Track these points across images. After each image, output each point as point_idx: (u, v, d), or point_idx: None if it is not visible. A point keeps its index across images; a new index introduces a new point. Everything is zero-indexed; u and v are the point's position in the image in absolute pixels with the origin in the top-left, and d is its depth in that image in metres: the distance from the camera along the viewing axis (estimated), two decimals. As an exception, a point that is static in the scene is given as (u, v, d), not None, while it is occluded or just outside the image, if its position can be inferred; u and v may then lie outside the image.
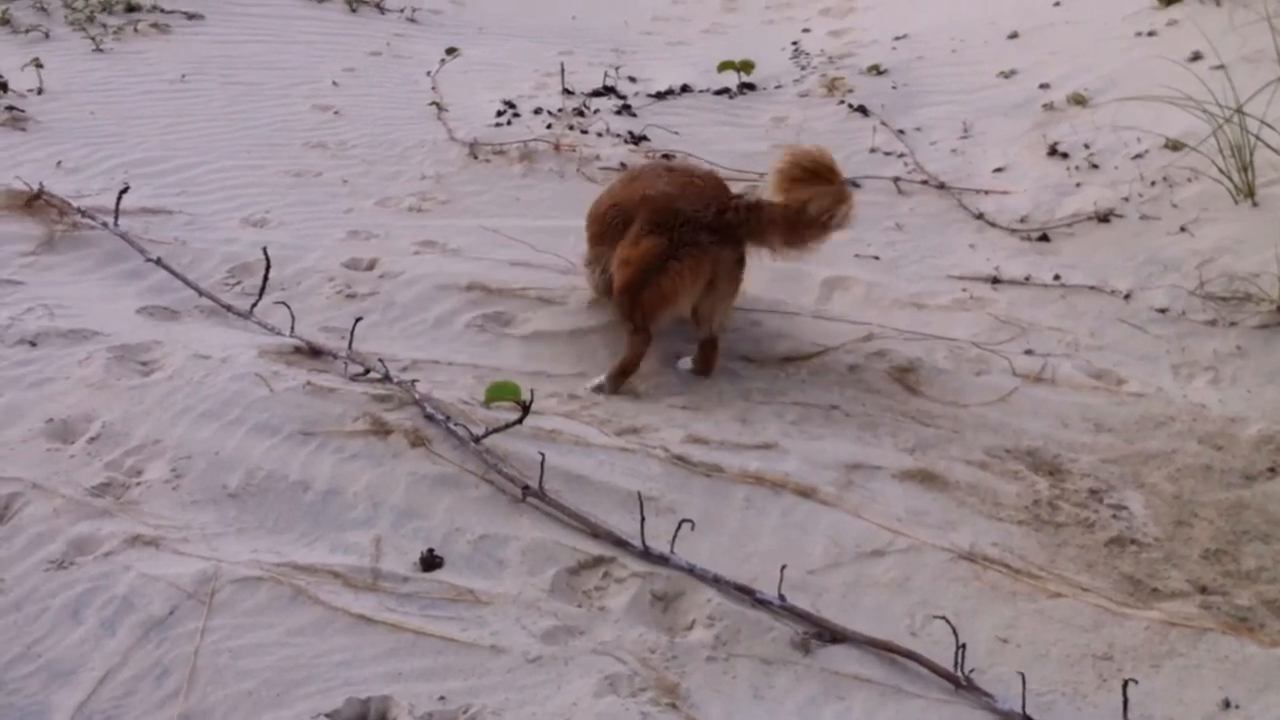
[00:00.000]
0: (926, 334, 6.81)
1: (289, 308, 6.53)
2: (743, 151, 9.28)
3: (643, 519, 4.89)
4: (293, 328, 6.40)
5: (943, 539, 5.10)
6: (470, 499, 5.17)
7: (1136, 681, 4.20)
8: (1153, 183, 8.21)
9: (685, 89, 10.46)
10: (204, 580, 4.61)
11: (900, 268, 7.72)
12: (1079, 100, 9.47)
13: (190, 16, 12.00)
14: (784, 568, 4.69)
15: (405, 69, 10.92)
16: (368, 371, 5.96)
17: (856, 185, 8.71)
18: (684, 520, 4.91)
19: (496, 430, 5.41)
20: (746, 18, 13.24)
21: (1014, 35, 10.95)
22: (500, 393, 5.47)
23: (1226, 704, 4.27)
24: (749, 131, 9.72)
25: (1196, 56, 9.36)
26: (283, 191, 8.46)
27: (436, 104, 9.91)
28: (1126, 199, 8.13)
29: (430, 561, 4.83)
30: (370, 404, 5.67)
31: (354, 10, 12.29)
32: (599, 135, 9.42)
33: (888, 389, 6.35)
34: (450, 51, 11.07)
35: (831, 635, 4.52)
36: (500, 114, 9.72)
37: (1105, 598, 4.81)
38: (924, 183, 8.76)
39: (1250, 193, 7.72)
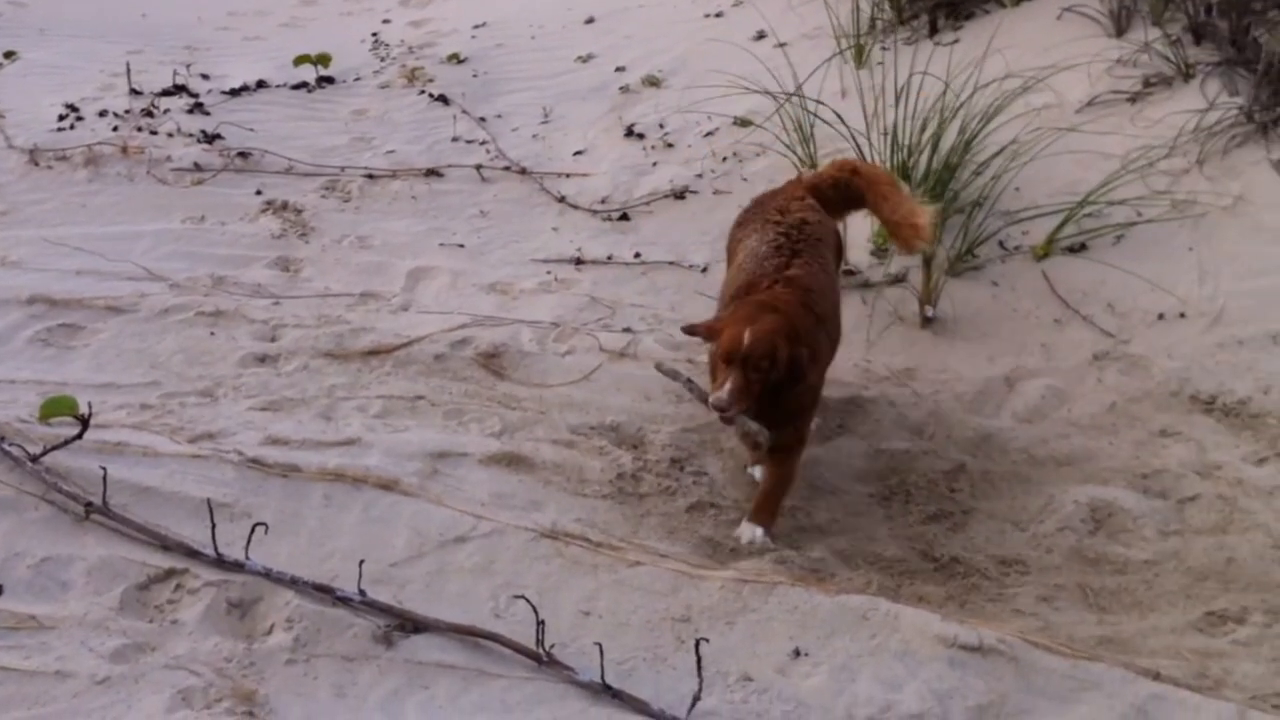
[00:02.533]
0: (512, 319, 6.82)
1: None
2: (323, 146, 9.12)
3: (213, 525, 4.71)
4: None
5: (526, 519, 5.10)
6: (29, 521, 4.86)
7: (708, 640, 4.29)
8: (724, 159, 8.47)
9: (261, 85, 10.19)
10: None
11: (485, 254, 7.72)
12: (653, 82, 9.69)
13: None
14: (362, 562, 4.60)
15: (-42, 75, 10.28)
16: (-87, 396, 5.57)
17: (440, 175, 8.67)
18: (258, 524, 4.76)
19: (55, 448, 5.11)
20: (325, 10, 13.02)
21: (590, 20, 11.13)
22: (56, 408, 5.19)
23: (797, 652, 4.41)
24: (329, 125, 9.55)
25: (761, 35, 9.71)
26: None
27: (-8, 110, 9.36)
28: (700, 175, 8.36)
29: (-13, 591, 4.55)
30: (-86, 431, 5.29)
31: (-100, 15, 11.55)
32: (170, 135, 9.05)
33: (474, 375, 6.33)
34: (8, 55, 10.47)
35: (414, 625, 4.45)
36: (63, 118, 9.23)
37: (684, 562, 4.90)
38: (506, 169, 8.79)
39: (814, 165, 8.02)
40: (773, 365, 4.98)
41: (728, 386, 4.94)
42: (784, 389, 5.07)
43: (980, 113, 7.24)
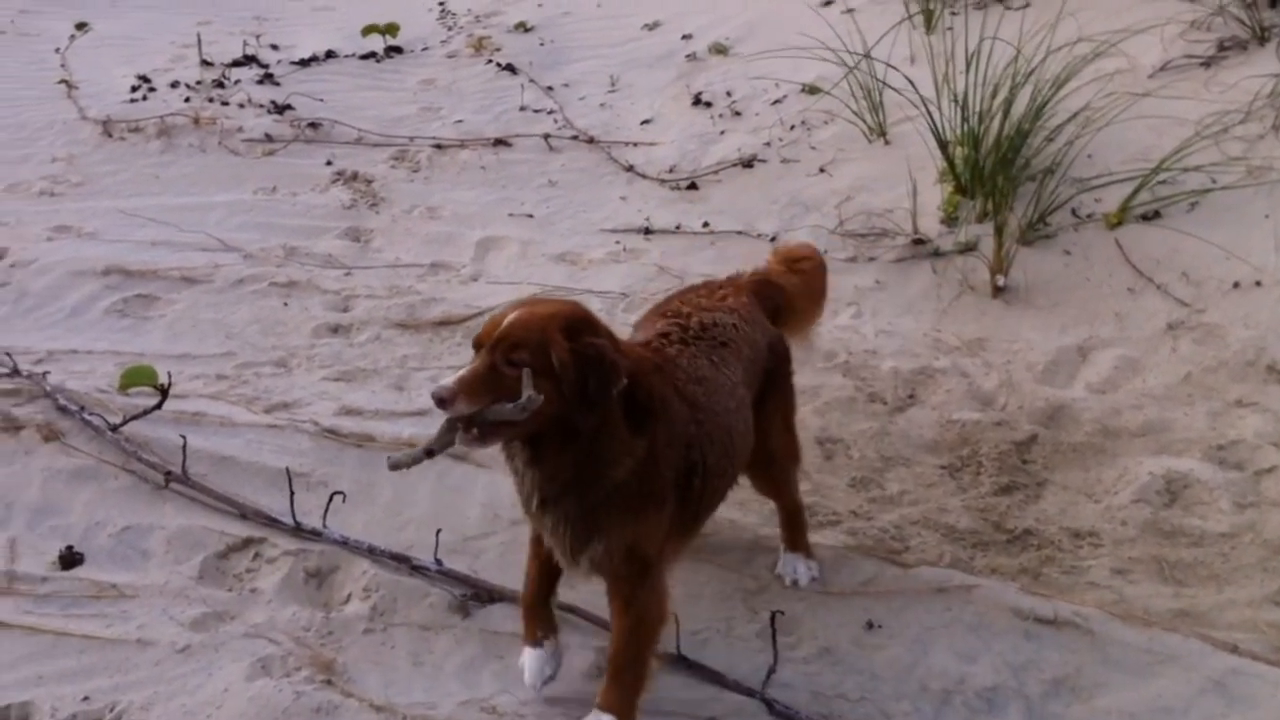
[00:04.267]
0: (581, 289, 6.82)
1: (-93, 306, 6.17)
2: (391, 116, 9.15)
3: (291, 494, 4.78)
4: (-88, 326, 6.05)
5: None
6: (110, 491, 4.96)
7: (783, 612, 4.31)
8: (792, 127, 8.43)
9: (330, 55, 10.24)
10: None
11: (554, 224, 7.73)
12: (720, 50, 9.65)
13: None
14: (439, 532, 4.64)
15: (33, 47, 10.38)
16: (-5, 366, 5.66)
17: (508, 145, 8.69)
18: (336, 493, 4.82)
19: (135, 417, 5.20)
20: (394, -21, 13.06)
21: (657, -13, 11.08)
22: (135, 378, 5.27)
23: (870, 624, 4.42)
24: (397, 95, 9.59)
25: (828, 2, 9.64)
26: (-98, 183, 7.98)
27: (66, 82, 9.45)
28: (768, 144, 8.32)
29: (69, 559, 4.63)
30: (-2, 400, 5.39)
31: (-26, -13, 11.64)
32: (241, 106, 9.13)
33: (544, 346, 6.35)
34: (80, 26, 10.57)
35: (490, 595, 4.49)
36: (135, 89, 9.33)
37: (754, 532, 4.91)
38: (574, 138, 8.79)
39: (882, 132, 8.00)
40: (536, 359, 3.58)
41: (458, 373, 3.60)
42: (583, 414, 3.64)
43: (1052, 78, 7.15)
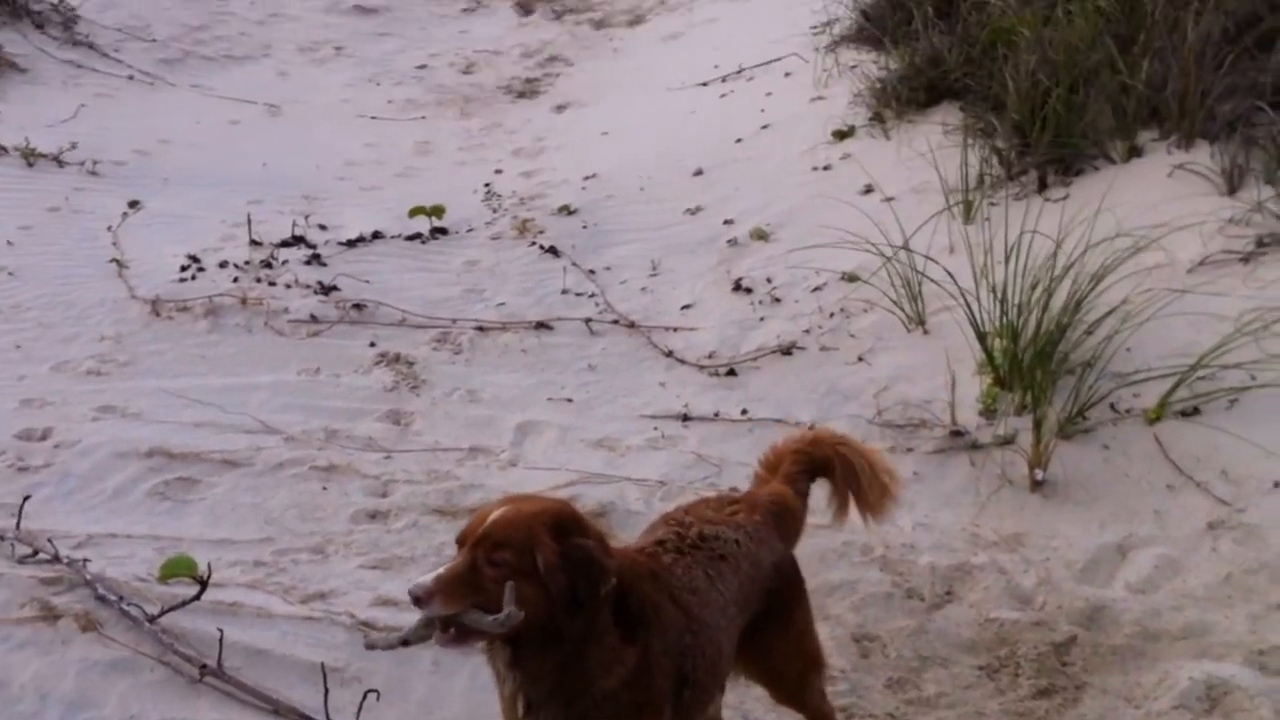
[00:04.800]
0: (619, 476, 6.85)
1: (-47, 486, 6.24)
2: (435, 297, 9.27)
3: (326, 691, 4.78)
4: (-43, 508, 6.11)
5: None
6: (145, 683, 4.98)
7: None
8: (831, 314, 8.50)
9: (377, 235, 10.41)
10: None
11: (593, 409, 7.79)
12: (761, 235, 9.77)
13: None
14: (472, 733, 4.64)
15: (85, 224, 10.58)
16: (36, 553, 5.70)
17: (549, 328, 8.79)
18: (369, 690, 4.81)
19: (173, 608, 5.23)
20: (440, 160, 13.29)
21: (699, 172, 11.24)
22: (176, 568, 5.32)
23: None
24: (441, 276, 9.72)
25: (869, 190, 9.77)
26: (-52, 364, 8.12)
27: (117, 260, 9.63)
28: (807, 331, 8.39)
29: (102, 755, 4.62)
30: (38, 588, 5.43)
31: (30, 164, 11.89)
32: (288, 287, 9.28)
33: (581, 534, 6.35)
34: (132, 204, 10.78)
35: (521, 800, 4.44)
36: (184, 269, 9.49)
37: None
38: (615, 322, 8.88)
39: (921, 322, 8.05)
40: (520, 559, 3.52)
41: (437, 571, 3.56)
42: (568, 619, 3.57)
43: (1091, 272, 7.22)
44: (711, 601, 4.06)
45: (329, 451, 7.08)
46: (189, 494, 6.62)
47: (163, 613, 5.21)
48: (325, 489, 6.70)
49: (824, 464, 4.80)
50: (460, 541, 3.65)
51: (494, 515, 3.61)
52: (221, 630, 5.04)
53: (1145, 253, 7.59)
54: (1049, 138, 9.12)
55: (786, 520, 4.61)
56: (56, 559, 5.62)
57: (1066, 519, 6.46)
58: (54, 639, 5.15)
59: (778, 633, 4.47)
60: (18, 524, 5.94)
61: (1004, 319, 7.27)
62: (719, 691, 4.37)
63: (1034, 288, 7.25)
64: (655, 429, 7.48)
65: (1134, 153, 8.89)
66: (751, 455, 6.90)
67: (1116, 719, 5.18)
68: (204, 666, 4.97)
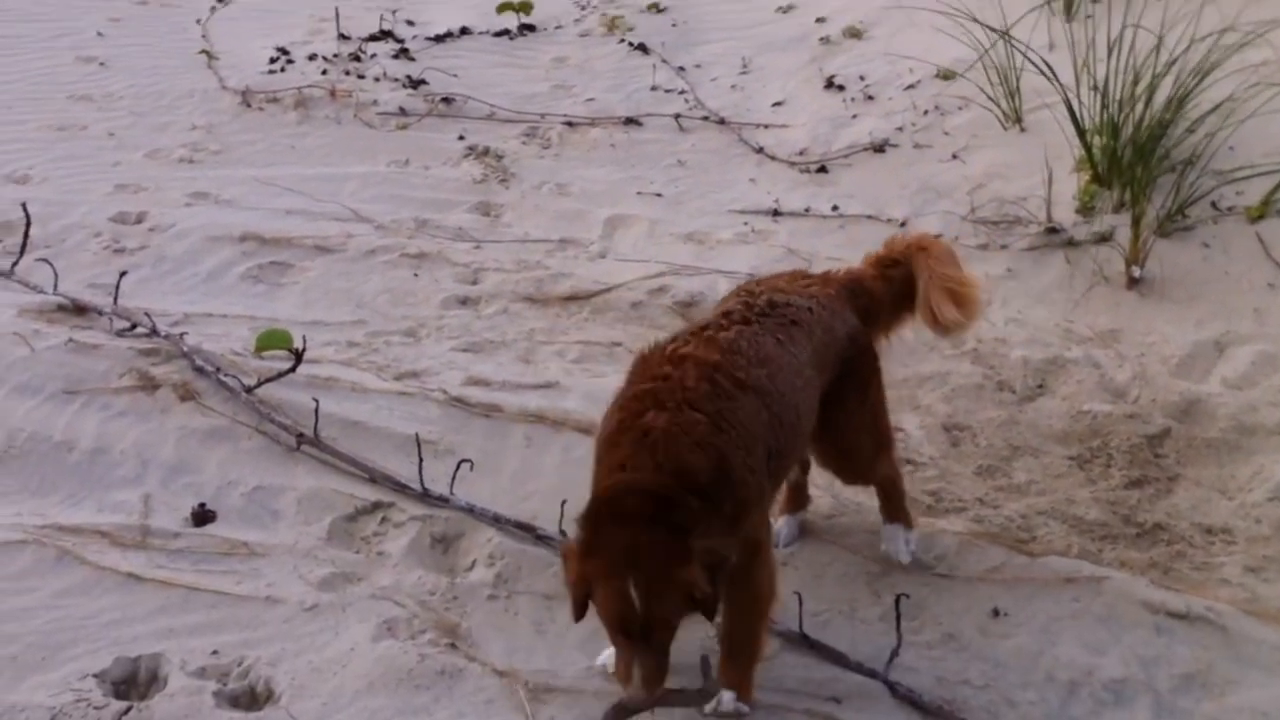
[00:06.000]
0: (709, 269, 6.82)
1: (52, 265, 6.30)
2: (523, 93, 9.20)
3: (420, 461, 4.83)
4: (55, 285, 6.18)
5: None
6: (243, 451, 5.06)
7: (908, 596, 4.27)
8: (925, 112, 8.34)
9: (465, 31, 10.31)
10: (-38, 547, 4.44)
11: (683, 203, 7.73)
12: (854, 33, 9.58)
13: (-57, -31, 11.45)
14: (564, 503, 4.65)
15: (174, 17, 10.56)
16: (134, 327, 5.78)
17: (638, 124, 8.70)
18: (463, 461, 4.86)
19: (269, 380, 5.29)
20: (527, -41, 13.09)
21: (791, -31, 10.99)
22: (271, 341, 5.35)
23: (996, 612, 4.38)
24: (529, 72, 9.63)
25: (967, -13, 9.51)
26: (46, 146, 8.17)
27: (207, 52, 9.62)
28: (900, 129, 8.24)
29: (202, 516, 4.72)
30: (137, 359, 5.51)
31: (120, -41, 11.85)
32: (376, 80, 9.25)
33: (671, 324, 6.34)
34: (221, -1, 10.77)
35: (613, 568, 4.49)
36: (273, 61, 9.48)
37: (879, 515, 4.87)
38: (705, 119, 8.77)
39: (1018, 118, 7.89)
40: (683, 601, 3.51)
41: (637, 675, 3.50)
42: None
43: (1195, 68, 7.01)
44: (784, 366, 4.02)
45: (419, 240, 7.09)
46: (282, 277, 6.67)
47: (260, 384, 5.27)
48: (416, 275, 6.71)
49: (902, 259, 4.70)
50: (625, 627, 3.51)
51: (637, 594, 3.44)
52: (317, 400, 5.10)
53: (1251, 48, 7.35)
54: (1156, -69, 8.81)
55: (862, 298, 4.53)
56: (154, 332, 5.69)
57: (1163, 316, 6.36)
58: (153, 408, 5.24)
59: (853, 407, 4.42)
60: (115, 299, 6.01)
61: (1104, 115, 7.10)
62: (803, 449, 4.34)
63: (1136, 84, 7.06)
64: (745, 224, 7.41)
65: (1244, -54, 8.58)
66: (843, 251, 6.90)
67: (1210, 510, 5.13)
68: (301, 435, 5.03)
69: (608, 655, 4.02)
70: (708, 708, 3.83)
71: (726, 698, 3.85)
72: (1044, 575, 4.56)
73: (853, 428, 4.46)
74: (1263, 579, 4.68)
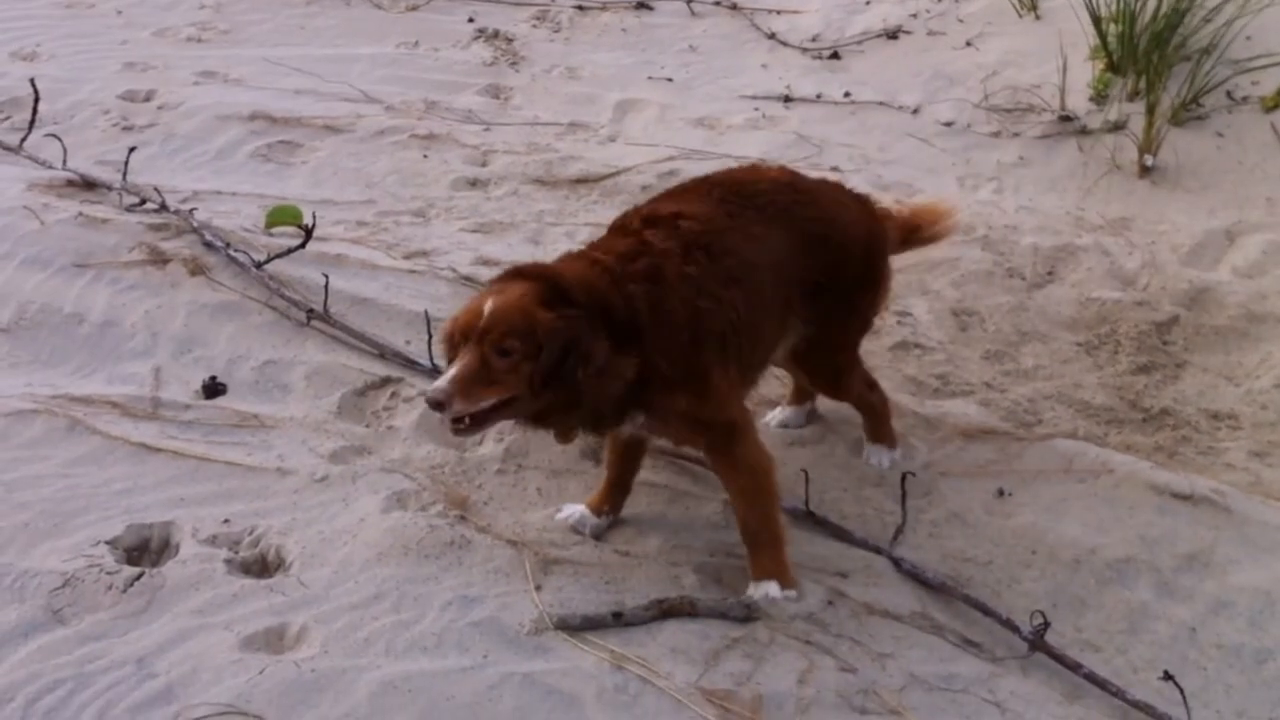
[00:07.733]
0: (719, 153, 6.78)
1: (61, 141, 6.28)
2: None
3: (430, 337, 4.84)
4: (65, 160, 6.16)
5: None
6: (253, 325, 5.06)
7: (914, 474, 4.30)
8: (940, -1, 8.28)
9: (476, -87, 10.17)
10: (-27, 415, 4.47)
11: (693, 88, 7.68)
12: (869, -82, 9.45)
13: None
14: (573, 380, 4.67)
15: (180, -103, 10.46)
16: (144, 202, 5.76)
17: (649, 8, 8.62)
18: (472, 337, 4.86)
19: (279, 255, 5.28)
20: None
21: None
22: (281, 216, 5.33)
23: (1000, 492, 4.40)
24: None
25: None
26: (54, 24, 8.14)
27: (214, -69, 9.51)
28: (914, 15, 8.18)
29: (213, 389, 4.74)
30: (146, 234, 5.50)
31: None
32: (386, -40, 9.17)
33: (680, 207, 6.33)
34: (227, -122, 10.61)
35: (621, 444, 4.52)
36: (283, -61, 9.38)
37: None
38: (717, 4, 8.70)
39: (1033, 6, 7.82)
40: (527, 341, 3.52)
41: (450, 371, 3.54)
42: (569, 391, 3.59)
43: (1213, -45, 6.96)
44: (734, 247, 3.95)
45: (429, 121, 7.06)
46: (291, 156, 6.65)
47: (270, 259, 5.27)
48: (425, 156, 6.69)
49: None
50: (454, 338, 3.64)
51: (489, 306, 3.57)
52: (327, 276, 5.10)
53: (1273, -65, 7.28)
54: None
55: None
56: (164, 208, 5.68)
57: (1175, 205, 6.35)
58: (163, 281, 5.23)
59: (835, 310, 4.27)
60: (124, 175, 5.99)
61: (1120, 2, 7.03)
62: (784, 323, 4.20)
63: (1153, -29, 7.00)
64: (756, 109, 7.37)
65: None
66: (854, 137, 6.90)
67: (1216, 396, 5.15)
68: (310, 310, 5.03)
69: (569, 510, 4.18)
70: (756, 594, 3.85)
71: (772, 588, 3.86)
72: (1049, 457, 4.58)
73: (834, 328, 4.32)
74: (1267, 463, 4.71)
